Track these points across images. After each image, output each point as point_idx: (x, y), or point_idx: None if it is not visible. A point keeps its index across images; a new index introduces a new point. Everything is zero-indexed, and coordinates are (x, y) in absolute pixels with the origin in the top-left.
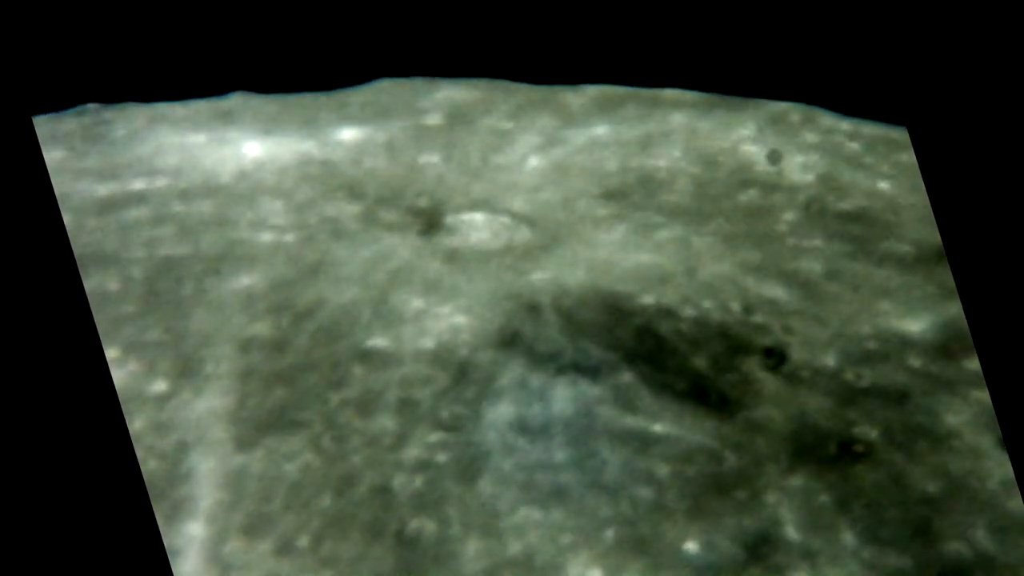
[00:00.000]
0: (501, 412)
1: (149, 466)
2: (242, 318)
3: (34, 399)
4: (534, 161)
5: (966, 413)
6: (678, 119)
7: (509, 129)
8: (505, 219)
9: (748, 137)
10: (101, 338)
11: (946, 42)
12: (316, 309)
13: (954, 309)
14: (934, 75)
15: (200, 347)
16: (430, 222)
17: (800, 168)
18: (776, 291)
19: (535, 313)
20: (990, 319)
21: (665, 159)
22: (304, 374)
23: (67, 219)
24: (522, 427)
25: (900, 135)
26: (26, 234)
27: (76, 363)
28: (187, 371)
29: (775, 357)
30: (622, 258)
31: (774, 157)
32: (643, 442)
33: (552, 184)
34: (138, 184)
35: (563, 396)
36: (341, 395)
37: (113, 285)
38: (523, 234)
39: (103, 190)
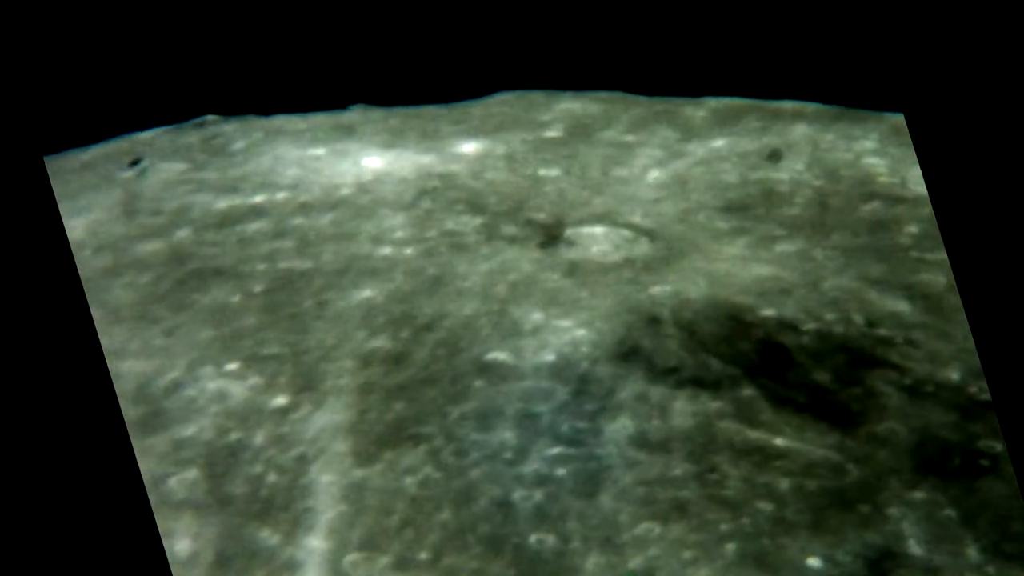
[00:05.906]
0: (621, 426)
1: (269, 479)
2: (362, 332)
3: (35, 406)
4: (654, 174)
5: None
6: (799, 131)
7: (629, 142)
8: (625, 232)
9: (870, 149)
10: (222, 351)
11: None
12: (436, 322)
13: None
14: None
15: (320, 361)
16: (550, 235)
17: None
18: (899, 304)
19: (655, 326)
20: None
21: (786, 171)
22: (424, 388)
23: (186, 232)
24: (642, 441)
25: None
26: (29, 244)
27: (76, 368)
28: (307, 385)
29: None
30: (743, 271)
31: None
32: (764, 456)
33: (672, 197)
34: (258, 197)
35: (683, 410)
36: (461, 409)
37: (233, 299)
38: (643, 247)
39: (222, 203)
